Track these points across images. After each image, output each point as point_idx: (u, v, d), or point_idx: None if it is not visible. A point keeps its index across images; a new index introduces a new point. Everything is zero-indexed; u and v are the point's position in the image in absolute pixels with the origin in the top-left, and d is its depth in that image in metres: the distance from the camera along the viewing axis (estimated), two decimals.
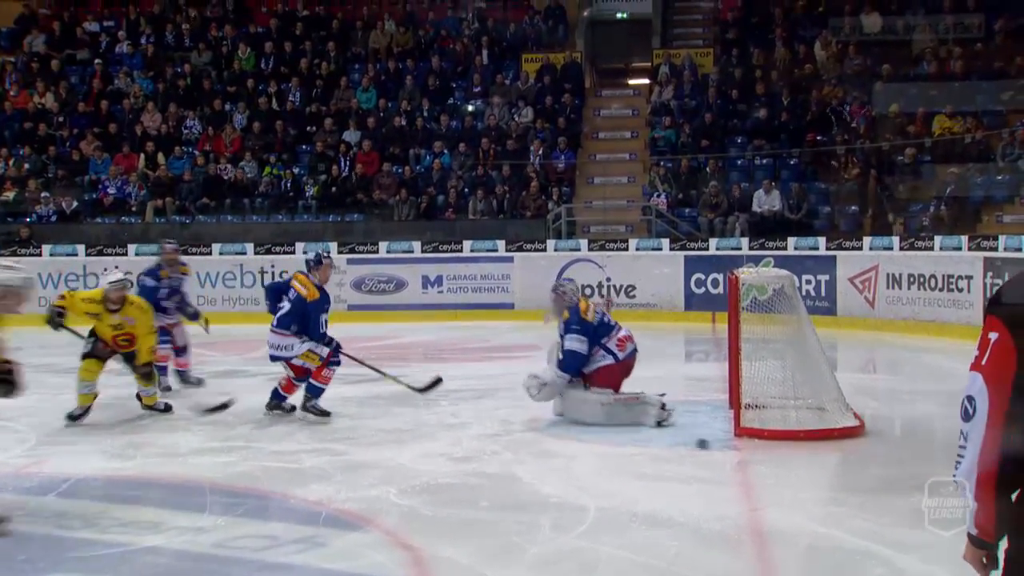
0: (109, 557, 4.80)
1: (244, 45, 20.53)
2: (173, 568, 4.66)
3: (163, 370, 9.23)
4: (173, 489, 6.06)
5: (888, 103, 17.04)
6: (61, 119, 19.46)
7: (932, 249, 13.70)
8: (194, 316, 9.81)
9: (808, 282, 14.16)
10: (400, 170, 18.01)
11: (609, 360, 7.77)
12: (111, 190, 18.05)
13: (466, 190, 17.63)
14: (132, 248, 16.46)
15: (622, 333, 7.90)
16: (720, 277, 14.63)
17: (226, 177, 18.14)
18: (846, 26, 18.95)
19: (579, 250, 15.95)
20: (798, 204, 16.17)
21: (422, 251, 16.15)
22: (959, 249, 13.39)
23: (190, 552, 4.87)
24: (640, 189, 17.82)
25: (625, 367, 7.85)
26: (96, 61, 20.45)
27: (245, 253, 16.28)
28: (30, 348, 12.55)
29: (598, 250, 15.86)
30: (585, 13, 21.29)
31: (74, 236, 16.98)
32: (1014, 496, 2.42)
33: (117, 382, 9.98)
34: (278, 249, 16.25)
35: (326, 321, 7.83)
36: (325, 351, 7.86)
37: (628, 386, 7.90)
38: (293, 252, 16.15)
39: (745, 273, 7.75)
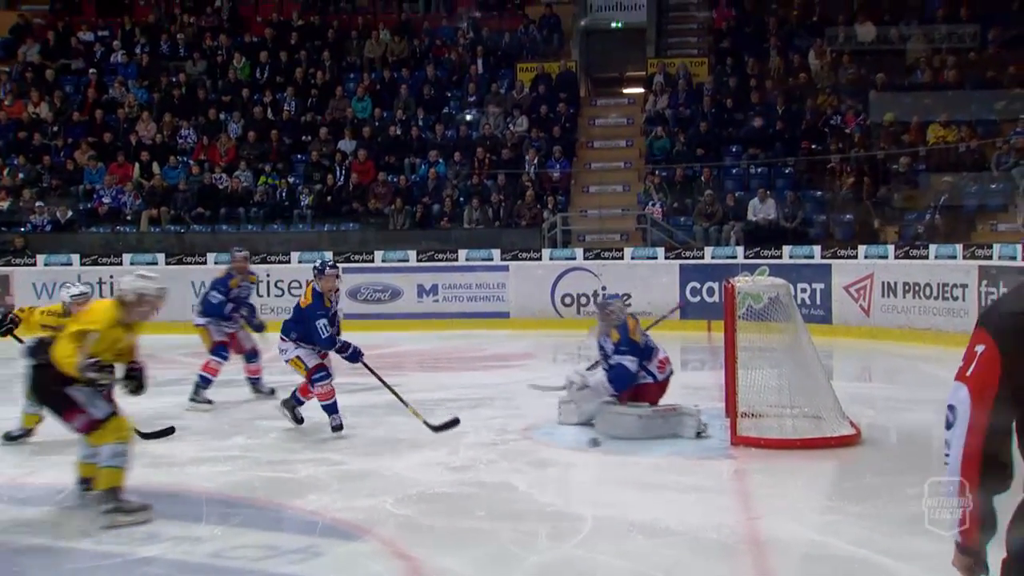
0: (106, 568, 4.79)
1: (239, 54, 20.53)
2: None
3: (206, 382, 9.03)
4: (169, 499, 6.02)
5: (882, 112, 17.08)
6: (56, 128, 19.43)
7: (927, 258, 13.72)
8: (259, 328, 9.54)
9: (803, 290, 14.19)
10: (395, 179, 18.01)
11: (649, 380, 7.79)
12: (106, 199, 18.03)
13: (461, 199, 17.64)
14: (127, 257, 16.44)
15: (662, 355, 7.94)
16: (715, 286, 14.65)
17: (221, 186, 18.13)
18: (840, 35, 19.01)
19: (574, 259, 15.96)
20: (793, 213, 16.19)
21: (417, 260, 16.14)
22: (954, 258, 13.40)
23: (187, 562, 4.85)
24: (635, 198, 17.84)
25: (662, 388, 7.86)
26: (91, 71, 20.43)
27: None
28: (22, 361, 12.52)
29: (593, 259, 15.87)
30: (580, 23, 21.33)
31: (69, 245, 16.95)
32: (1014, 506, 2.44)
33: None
34: (273, 259, 16.23)
35: (325, 326, 7.58)
36: (313, 362, 7.72)
37: None
38: (288, 261, 16.15)
39: (741, 281, 7.76)
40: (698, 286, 15.18)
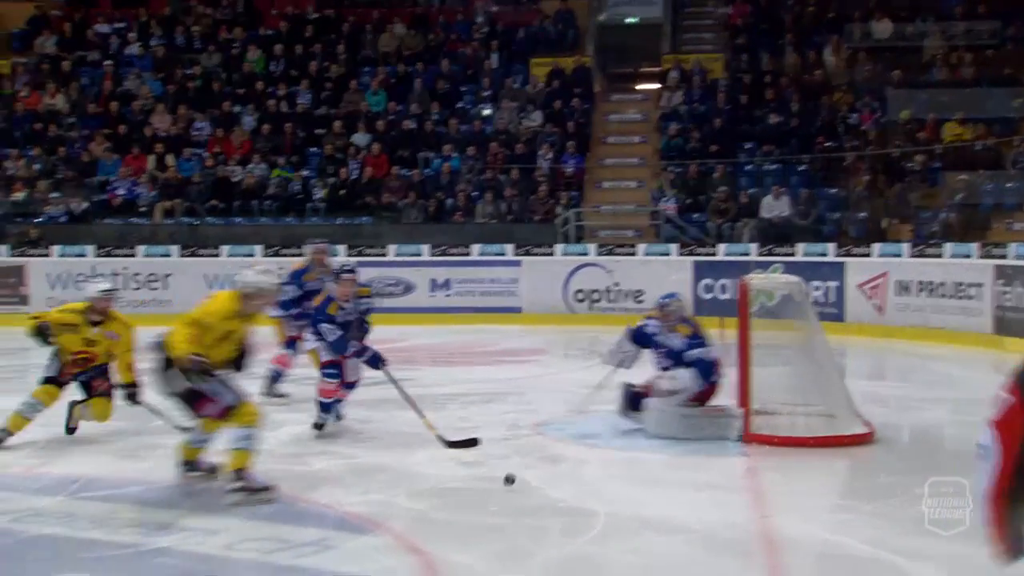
0: (119, 558, 4.81)
1: (254, 47, 20.55)
2: (183, 569, 4.67)
3: (278, 376, 8.91)
4: (182, 491, 6.06)
5: (898, 109, 17.02)
6: (71, 120, 19.50)
7: (942, 256, 13.68)
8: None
9: (817, 288, 14.14)
10: (409, 173, 18.01)
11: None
12: (120, 191, 18.08)
13: (475, 193, 17.64)
14: (141, 249, 16.51)
15: (716, 356, 7.74)
16: (729, 283, 14.62)
17: (235, 179, 18.16)
18: (857, 32, 18.93)
19: (587, 254, 15.94)
20: (807, 210, 16.15)
21: (430, 254, 16.15)
22: (969, 256, 13.36)
23: (200, 553, 4.87)
24: (649, 194, 17.80)
25: (714, 389, 7.64)
26: (106, 62, 20.49)
27: (254, 255, 16.27)
28: (39, 349, 12.60)
29: (606, 255, 15.84)
30: (596, 18, 21.28)
31: (83, 237, 17.01)
32: None
33: None
34: (287, 252, 16.24)
35: (330, 330, 7.40)
36: (325, 357, 7.61)
37: None
38: (301, 255, 16.13)
39: (755, 279, 7.72)
40: (711, 283, 15.14)
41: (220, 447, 6.06)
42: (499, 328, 14.79)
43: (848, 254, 14.61)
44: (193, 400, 5.84)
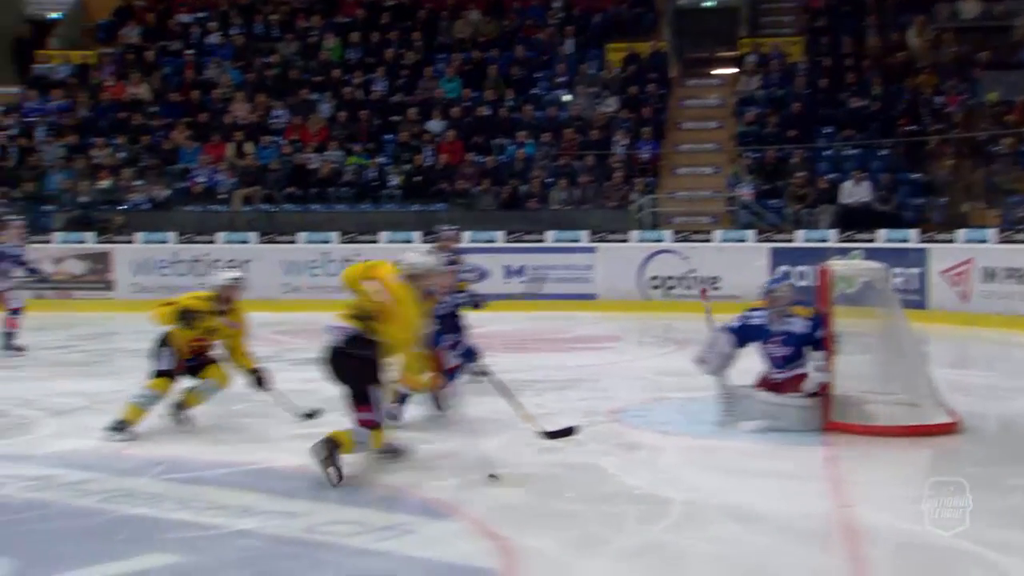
0: (204, 539, 4.90)
1: (331, 35, 20.78)
2: (265, 551, 4.74)
3: None
4: (263, 474, 6.16)
5: (986, 91, 16.56)
6: (154, 109, 19.92)
7: None
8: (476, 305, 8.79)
9: (899, 275, 13.84)
10: (483, 160, 18.06)
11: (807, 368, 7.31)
12: (201, 179, 18.44)
13: (549, 180, 17.61)
14: (220, 236, 16.81)
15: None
16: (807, 269, 14.38)
17: (312, 166, 18.39)
18: (943, 12, 18.46)
19: (662, 241, 15.84)
20: (888, 196, 15.82)
21: (505, 241, 16.17)
22: None
23: (281, 536, 4.94)
24: (725, 180, 17.61)
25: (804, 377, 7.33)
26: (188, 52, 20.89)
27: (330, 242, 16.49)
28: (125, 334, 12.95)
29: (682, 241, 15.72)
30: (673, 2, 21.07)
31: (165, 224, 17.39)
32: None
33: None
34: (362, 238, 16.43)
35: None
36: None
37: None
38: (376, 241, 16.32)
39: (838, 264, 7.55)
40: (789, 270, 14.90)
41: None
42: (573, 315, 14.76)
43: (931, 240, 14.29)
44: (360, 400, 5.87)
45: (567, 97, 19.23)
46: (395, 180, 18.00)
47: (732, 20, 20.73)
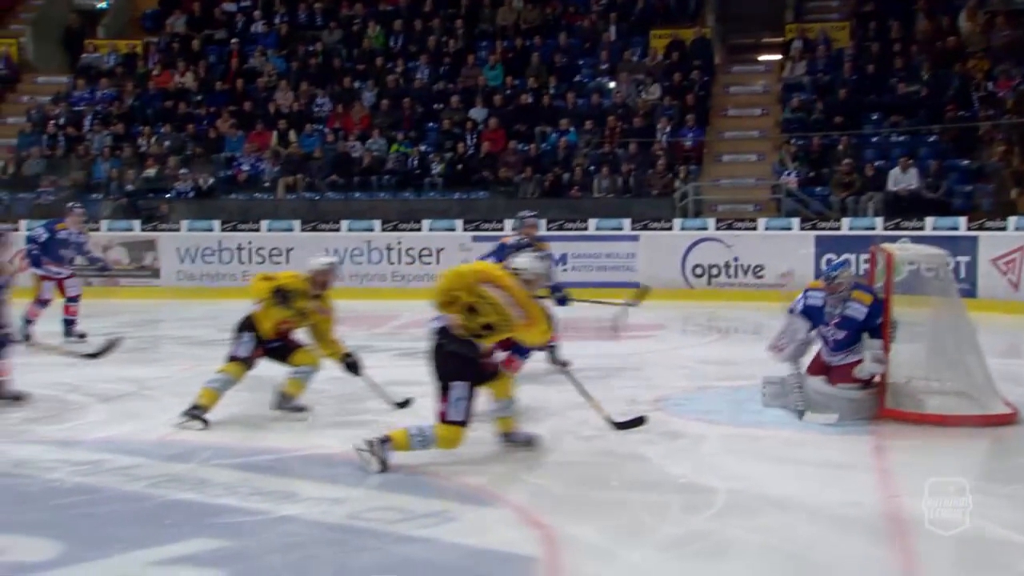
0: (249, 524, 4.94)
1: (374, 23, 20.82)
2: (309, 537, 4.77)
3: None
4: (307, 460, 6.21)
5: None
6: (199, 98, 20.09)
7: None
8: (561, 301, 8.84)
9: (931, 266, 13.63)
10: (526, 148, 18.02)
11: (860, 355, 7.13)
12: (245, 167, 18.58)
13: (592, 168, 17.54)
14: (264, 224, 16.92)
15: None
16: (853, 258, 14.24)
17: (355, 154, 18.45)
18: None
19: (706, 229, 15.72)
20: (936, 183, 15.58)
21: (547, 229, 16.11)
22: None
23: (325, 522, 4.97)
24: (770, 167, 17.44)
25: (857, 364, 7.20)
26: (233, 40, 21.04)
27: (372, 230, 16.55)
28: (170, 321, 13.09)
29: (726, 229, 15.59)
30: None
31: (210, 212, 17.54)
32: None
33: None
34: (404, 226, 16.47)
35: None
36: None
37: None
38: (419, 229, 16.35)
39: (898, 249, 7.40)
40: (834, 258, 14.71)
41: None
42: (616, 303, 14.66)
43: (981, 228, 14.05)
44: (443, 394, 5.92)
45: (610, 84, 19.13)
46: (437, 168, 18.02)
47: (778, 5, 20.47)
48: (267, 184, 18.36)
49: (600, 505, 5.32)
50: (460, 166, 17.96)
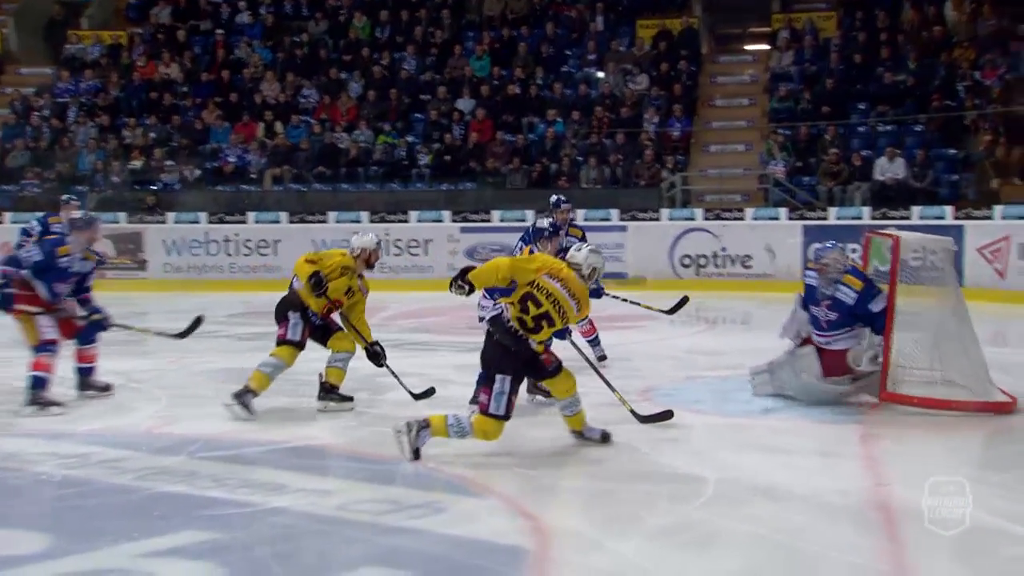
0: (238, 516, 4.93)
1: (360, 14, 20.74)
2: (298, 528, 4.76)
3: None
4: (296, 452, 6.19)
5: None
6: (185, 89, 19.99)
7: None
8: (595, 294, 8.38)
9: (934, 253, 13.68)
10: (513, 138, 18.00)
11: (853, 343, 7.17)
12: (231, 158, 18.52)
13: (579, 158, 17.54)
14: (251, 216, 16.88)
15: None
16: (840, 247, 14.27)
17: (341, 145, 18.40)
18: None
19: (694, 219, 15.75)
20: (923, 172, 15.63)
21: (535, 220, 16.10)
22: None
23: (314, 514, 4.96)
24: (757, 157, 17.46)
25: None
26: (218, 31, 20.93)
27: (360, 221, 16.52)
28: (156, 313, 13.03)
29: (713, 219, 15.62)
30: None
31: (196, 203, 17.48)
32: None
33: (238, 347, 10.29)
34: (392, 217, 16.44)
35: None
36: None
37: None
38: (407, 220, 16.34)
39: (908, 235, 7.40)
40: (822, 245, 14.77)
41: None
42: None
43: (968, 217, 14.11)
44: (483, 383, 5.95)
45: (598, 75, 19.12)
46: (424, 159, 17.99)
47: None
48: (254, 176, 18.30)
49: (589, 496, 5.32)
50: (448, 157, 17.93)
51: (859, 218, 14.82)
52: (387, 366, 7.37)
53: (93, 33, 22.04)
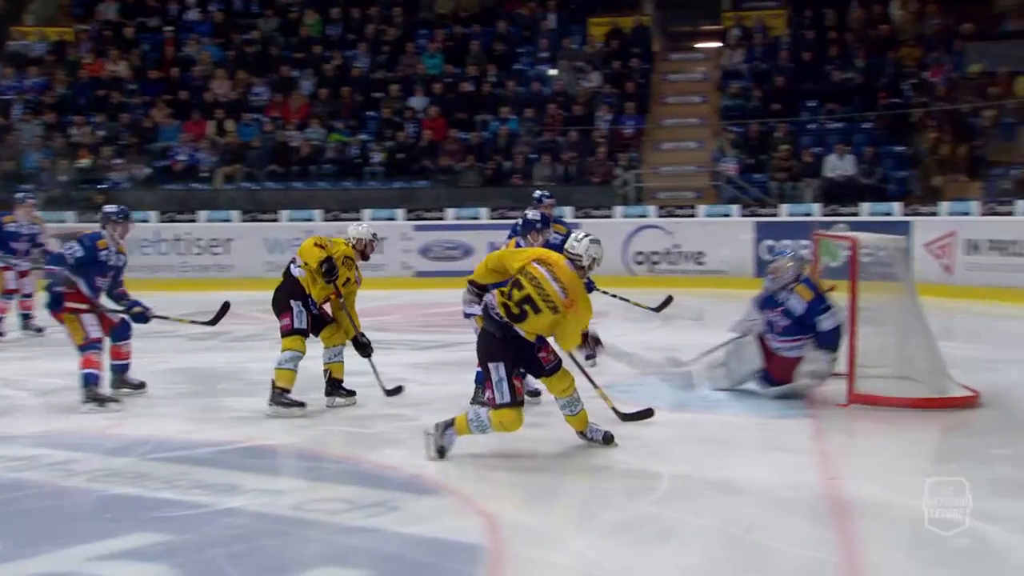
0: (190, 518, 4.87)
1: (311, 11, 20.60)
2: (252, 529, 4.72)
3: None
4: (249, 452, 6.13)
5: (969, 63, 16.57)
6: (133, 87, 19.73)
7: (1014, 214, 13.36)
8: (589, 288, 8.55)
9: (882, 249, 13.88)
10: (466, 136, 17.98)
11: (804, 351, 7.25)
12: (182, 157, 18.31)
13: (533, 156, 17.56)
14: (202, 215, 16.70)
15: (840, 322, 7.20)
16: (791, 243, 14.44)
17: (293, 144, 18.27)
18: None
19: (647, 216, 15.83)
20: (871, 169, 15.84)
21: (489, 217, 16.13)
22: None
23: (268, 514, 4.92)
24: (709, 154, 17.59)
25: None
26: (167, 28, 20.67)
27: (312, 220, 16.42)
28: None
29: (666, 216, 15.72)
30: None
31: (146, 202, 17.26)
32: None
33: (189, 347, 10.18)
34: (345, 216, 16.35)
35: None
36: None
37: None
38: (360, 219, 16.23)
39: (865, 236, 7.49)
40: (773, 243, 14.94)
41: None
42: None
43: (915, 213, 14.33)
44: (484, 377, 5.87)
45: (550, 72, 19.15)
46: (378, 157, 17.92)
47: None
48: (205, 174, 18.11)
49: (544, 492, 5.33)
50: (401, 155, 17.87)
51: (810, 215, 15.00)
52: (370, 359, 7.34)
53: (37, 29, 21.67)
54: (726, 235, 15.27)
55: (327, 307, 7.38)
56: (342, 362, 7.32)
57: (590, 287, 8.02)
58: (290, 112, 18.88)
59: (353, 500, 5.16)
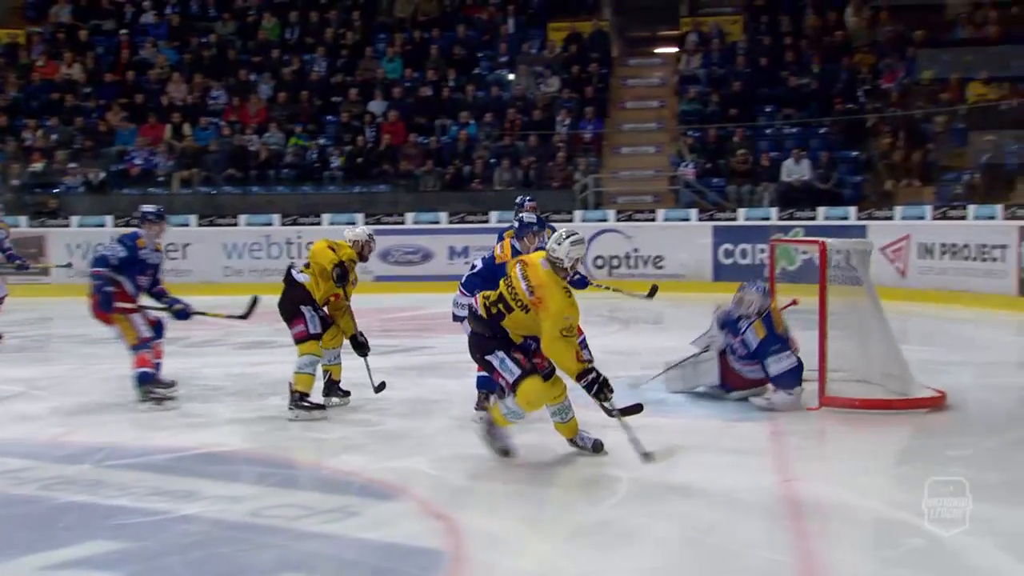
0: (146, 525, 4.81)
1: (269, 14, 20.47)
2: (209, 536, 4.67)
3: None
4: (206, 459, 6.07)
5: (921, 70, 16.80)
6: (88, 90, 19.49)
7: (966, 218, 13.56)
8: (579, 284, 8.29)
9: (838, 252, 14.03)
10: (426, 140, 17.96)
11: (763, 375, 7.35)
12: (138, 161, 18.11)
13: (492, 160, 17.57)
14: None
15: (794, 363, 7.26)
16: (749, 248, 14.61)
17: (252, 148, 18.14)
18: None
19: (606, 220, 15.88)
20: (827, 173, 16.02)
21: (448, 222, 16.11)
22: (993, 218, 13.24)
23: (225, 521, 4.87)
24: (668, 159, 17.70)
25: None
26: (122, 31, 20.44)
27: (271, 224, 16.31)
28: (60, 319, 12.68)
29: (625, 220, 15.78)
30: None
31: (102, 207, 17.06)
32: None
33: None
34: (304, 220, 16.27)
35: None
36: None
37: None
38: (319, 223, 16.17)
39: (834, 241, 7.57)
40: (731, 248, 15.06)
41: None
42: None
43: (870, 217, 14.50)
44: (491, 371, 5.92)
45: (509, 77, 19.18)
46: (336, 161, 17.83)
47: None
48: (161, 178, 17.92)
49: (504, 497, 5.33)
50: (360, 159, 17.80)
51: (767, 219, 15.13)
52: (365, 358, 7.37)
53: None
54: (685, 239, 15.36)
55: (325, 308, 7.39)
56: (340, 364, 7.41)
57: (584, 283, 8.07)
58: (248, 116, 18.74)
59: (312, 506, 5.13)
